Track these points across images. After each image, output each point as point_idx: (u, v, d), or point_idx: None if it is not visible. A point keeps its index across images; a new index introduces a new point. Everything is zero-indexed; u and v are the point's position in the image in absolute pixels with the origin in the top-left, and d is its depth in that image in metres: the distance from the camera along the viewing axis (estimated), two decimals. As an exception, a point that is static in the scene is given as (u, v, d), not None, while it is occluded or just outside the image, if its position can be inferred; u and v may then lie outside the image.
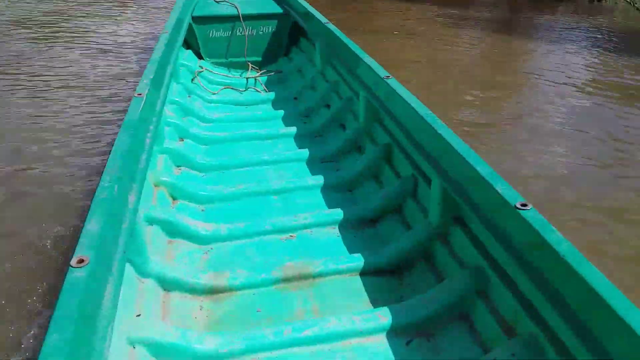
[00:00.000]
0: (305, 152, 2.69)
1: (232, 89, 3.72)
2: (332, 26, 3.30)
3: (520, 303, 1.43)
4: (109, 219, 1.28)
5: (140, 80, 2.20)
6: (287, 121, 3.18)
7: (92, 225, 1.22)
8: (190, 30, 3.93)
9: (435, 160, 1.81)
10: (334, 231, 2.08)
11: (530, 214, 1.33)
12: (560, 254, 1.19)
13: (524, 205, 1.36)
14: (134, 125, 1.78)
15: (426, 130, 1.88)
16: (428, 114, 1.92)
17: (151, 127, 2.01)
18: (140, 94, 2.02)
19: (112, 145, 1.64)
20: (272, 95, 3.59)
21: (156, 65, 2.40)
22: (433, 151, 1.84)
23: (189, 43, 4.03)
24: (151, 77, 2.23)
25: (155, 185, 2.14)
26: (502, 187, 1.44)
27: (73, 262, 1.09)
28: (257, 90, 3.71)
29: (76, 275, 1.06)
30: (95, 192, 1.35)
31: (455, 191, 1.66)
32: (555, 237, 1.24)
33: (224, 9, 4.20)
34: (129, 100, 2.06)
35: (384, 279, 1.81)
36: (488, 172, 1.52)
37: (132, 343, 1.35)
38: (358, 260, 1.83)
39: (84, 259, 1.10)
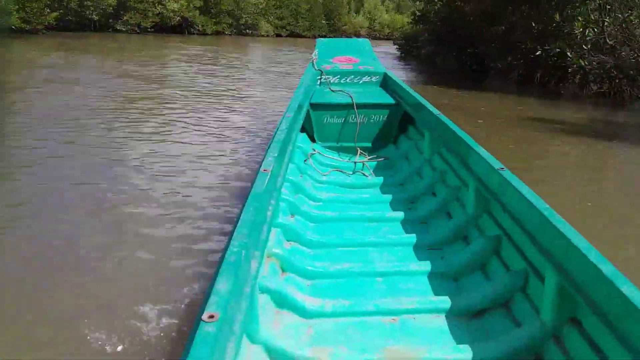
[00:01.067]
0: (410, 238, 2.71)
1: (340, 171, 3.89)
2: (443, 117, 3.40)
3: None
4: (236, 282, 1.39)
5: (265, 157, 2.40)
6: (392, 206, 3.25)
7: (222, 286, 1.32)
8: (306, 115, 4.23)
9: (550, 254, 1.76)
10: (438, 319, 2.05)
11: None
12: None
13: None
14: (259, 198, 1.94)
15: (541, 223, 1.85)
16: (544, 207, 1.90)
17: (272, 202, 2.16)
18: (265, 170, 2.20)
19: (239, 214, 1.79)
20: (378, 180, 3.71)
21: (279, 145, 2.61)
22: (548, 245, 1.79)
23: (304, 127, 4.32)
24: (275, 154, 2.43)
25: (268, 257, 2.26)
26: (628, 288, 1.38)
27: (204, 316, 1.19)
28: (364, 175, 3.85)
29: (207, 329, 1.16)
30: (224, 255, 1.48)
31: (573, 289, 1.60)
32: None
33: (340, 98, 4.49)
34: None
35: None
36: (611, 270, 1.46)
37: None
38: (464, 353, 1.78)
39: (214, 315, 1.20)
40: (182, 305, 2.66)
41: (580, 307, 1.68)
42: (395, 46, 25.47)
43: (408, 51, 23.26)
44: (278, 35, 42.32)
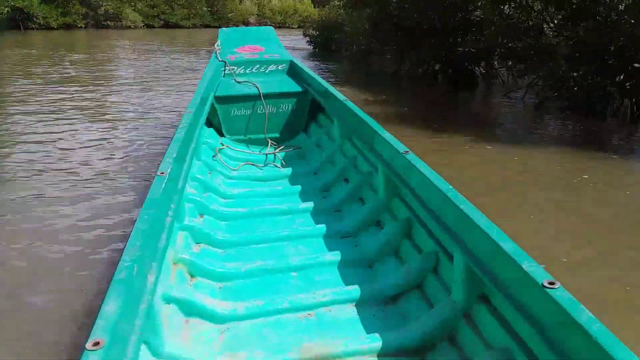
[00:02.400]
0: (324, 228, 2.68)
1: (252, 164, 3.79)
2: (350, 103, 3.39)
3: None
4: (127, 300, 1.27)
5: (163, 159, 2.25)
6: (306, 196, 3.20)
7: (110, 307, 1.20)
8: (212, 109, 4.07)
9: (457, 235, 1.78)
10: (354, 309, 2.03)
11: (559, 293, 1.28)
12: (592, 335, 1.13)
13: (552, 283, 1.31)
14: (156, 203, 1.81)
15: (447, 204, 1.87)
16: (449, 189, 1.92)
17: (172, 205, 2.03)
18: (162, 173, 2.06)
19: (133, 225, 1.66)
20: (291, 170, 3.65)
21: (179, 143, 2.47)
22: (455, 226, 1.81)
23: (211, 121, 4.16)
24: (174, 155, 2.29)
25: (174, 263, 2.13)
26: (529, 265, 1.40)
27: (88, 345, 1.07)
28: (276, 166, 3.77)
29: (91, 358, 1.04)
30: (114, 273, 1.35)
31: (479, 268, 1.62)
32: (586, 316, 1.19)
33: (246, 89, 4.36)
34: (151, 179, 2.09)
35: None
36: (513, 248, 1.48)
37: None
38: (379, 341, 1.77)
39: (100, 341, 1.08)
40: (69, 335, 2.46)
41: (487, 285, 1.70)
42: (306, 38, 19.52)
43: (324, 46, 18.20)
44: (149, 26, 33.72)
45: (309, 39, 19.25)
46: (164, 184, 1.98)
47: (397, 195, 2.59)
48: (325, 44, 18.22)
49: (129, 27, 32.29)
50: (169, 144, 2.53)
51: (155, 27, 33.63)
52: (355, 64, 14.61)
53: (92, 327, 1.14)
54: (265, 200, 3.17)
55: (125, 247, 1.49)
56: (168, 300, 1.85)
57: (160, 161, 2.26)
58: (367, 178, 3.02)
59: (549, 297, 1.29)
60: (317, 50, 18.52)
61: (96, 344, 1.08)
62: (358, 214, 2.76)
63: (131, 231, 1.59)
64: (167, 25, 34.48)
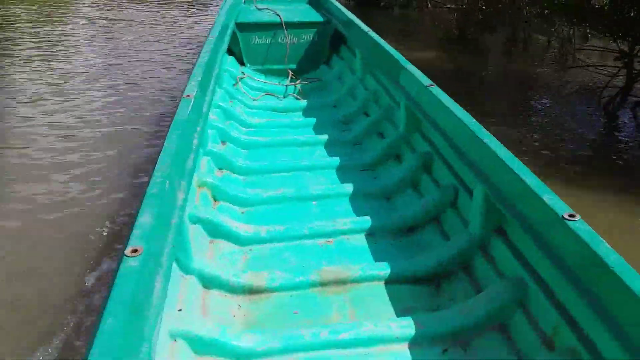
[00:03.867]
0: (343, 160, 2.71)
1: (272, 95, 3.78)
2: (374, 34, 3.32)
3: (562, 316, 1.41)
4: (160, 213, 1.32)
5: (188, 82, 2.26)
6: (326, 128, 3.21)
7: (145, 219, 1.26)
8: (233, 36, 4.01)
9: (478, 169, 1.80)
10: (372, 238, 2.09)
11: (578, 225, 1.31)
12: (609, 266, 1.17)
13: (572, 215, 1.34)
14: (183, 125, 1.83)
15: (470, 138, 1.88)
16: (472, 122, 1.92)
17: (198, 129, 2.06)
18: (188, 96, 2.08)
19: (163, 143, 1.70)
20: (311, 102, 3.64)
21: (203, 69, 2.47)
22: (477, 160, 1.83)
23: (232, 49, 4.11)
24: (199, 79, 2.29)
25: (199, 186, 2.19)
26: (549, 198, 1.43)
27: (127, 251, 1.13)
28: (296, 98, 3.76)
29: (130, 264, 1.10)
30: (147, 187, 1.40)
31: (499, 201, 1.65)
32: (604, 248, 1.22)
33: (267, 17, 4.28)
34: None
35: (422, 288, 1.81)
36: (534, 182, 1.51)
37: (174, 336, 1.39)
38: (395, 268, 1.83)
39: (138, 249, 1.14)
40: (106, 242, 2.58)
41: (505, 218, 1.74)
42: None
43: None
44: None
45: None
46: (190, 107, 2.00)
47: (418, 129, 2.59)
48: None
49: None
50: (192, 68, 2.53)
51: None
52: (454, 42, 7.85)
53: (129, 235, 1.20)
54: (285, 130, 3.19)
55: (155, 164, 1.54)
56: (194, 220, 1.91)
57: (185, 84, 2.28)
58: (388, 112, 3.01)
59: (567, 229, 1.32)
60: (352, 2, 10.58)
61: (134, 250, 1.14)
62: (378, 147, 2.77)
63: (161, 149, 1.63)
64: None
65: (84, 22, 7.98)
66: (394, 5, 10.57)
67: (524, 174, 1.56)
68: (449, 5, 8.99)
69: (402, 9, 10.62)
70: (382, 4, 9.99)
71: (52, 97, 4.65)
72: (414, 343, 1.54)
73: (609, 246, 1.23)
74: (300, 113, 3.52)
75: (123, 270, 1.09)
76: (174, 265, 1.59)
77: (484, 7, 7.52)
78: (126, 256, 1.13)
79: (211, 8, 9.51)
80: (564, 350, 1.36)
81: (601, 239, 1.26)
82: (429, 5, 9.47)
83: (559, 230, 1.36)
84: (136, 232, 1.21)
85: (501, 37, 7.64)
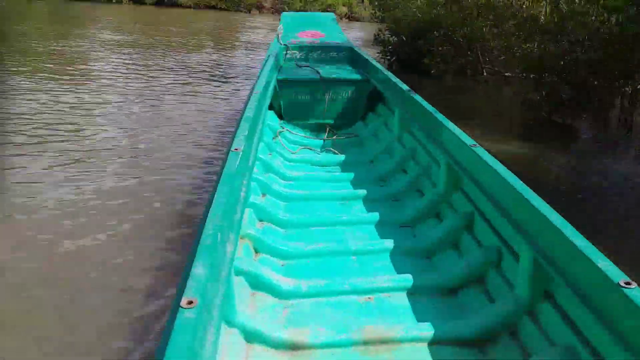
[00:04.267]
0: (381, 216, 2.71)
1: (310, 149, 3.85)
2: (413, 93, 3.38)
3: None
4: (213, 265, 1.34)
5: (236, 136, 2.33)
6: (363, 184, 3.23)
7: (199, 270, 1.28)
8: (274, 91, 4.15)
9: (525, 230, 1.78)
10: (412, 297, 2.05)
11: (635, 293, 1.28)
12: None
13: (628, 283, 1.31)
14: (232, 178, 1.88)
15: (515, 199, 1.87)
16: (517, 182, 1.91)
17: (244, 182, 2.11)
18: (237, 149, 2.14)
19: (211, 196, 1.74)
20: (348, 157, 3.69)
21: (248, 123, 2.55)
22: (523, 221, 1.81)
23: (272, 104, 4.24)
24: (245, 134, 2.36)
25: (241, 238, 2.22)
26: (603, 263, 1.40)
27: (183, 302, 1.14)
28: (334, 152, 3.82)
29: (186, 315, 1.11)
30: (199, 238, 1.43)
31: (548, 264, 1.62)
32: None
33: (307, 74, 4.42)
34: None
35: (466, 351, 1.76)
36: (586, 245, 1.48)
37: None
38: (438, 329, 1.79)
39: (193, 301, 1.16)
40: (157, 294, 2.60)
41: (553, 282, 1.70)
42: (359, 38, 13.25)
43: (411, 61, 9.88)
44: (137, 1, 25.32)
45: (382, 47, 11.02)
46: (238, 161, 2.05)
47: (459, 188, 2.58)
48: (413, 59, 9.60)
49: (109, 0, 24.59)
50: (237, 122, 2.61)
51: (145, 4, 25.12)
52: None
53: (182, 287, 1.22)
54: (323, 184, 3.22)
55: (206, 214, 1.57)
56: (237, 272, 1.93)
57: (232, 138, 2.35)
58: (427, 170, 3.02)
59: (623, 296, 1.28)
60: (395, 67, 10.42)
61: (190, 302, 1.15)
62: (416, 205, 2.77)
63: (210, 200, 1.67)
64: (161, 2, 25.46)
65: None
66: (444, 73, 8.93)
67: (574, 236, 1.54)
68: (507, 73, 7.95)
69: (456, 76, 9.10)
70: (433, 71, 8.56)
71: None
72: None
73: None
74: (338, 167, 3.57)
75: (180, 321, 1.10)
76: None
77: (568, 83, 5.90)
78: (182, 307, 1.14)
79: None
80: None
81: None
82: (484, 72, 8.71)
83: (613, 297, 1.33)
84: (191, 283, 1.22)
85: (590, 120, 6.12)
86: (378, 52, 10.87)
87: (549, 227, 1.64)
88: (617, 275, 1.35)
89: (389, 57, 10.91)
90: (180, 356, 1.02)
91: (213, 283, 1.33)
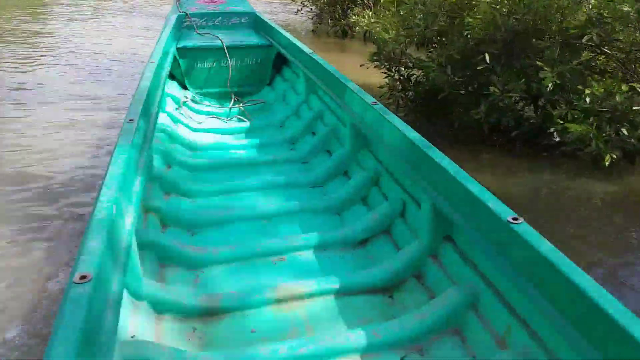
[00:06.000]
0: (292, 178, 2.72)
1: (216, 118, 3.76)
2: (316, 56, 3.38)
3: (513, 316, 1.46)
4: (109, 238, 1.28)
5: (130, 107, 2.22)
6: (273, 148, 3.22)
7: (92, 243, 1.22)
8: (175, 61, 3.98)
9: (424, 181, 1.86)
10: (325, 253, 2.10)
11: (523, 228, 1.37)
12: (555, 264, 1.23)
13: (516, 219, 1.40)
14: (127, 150, 1.79)
15: (414, 152, 1.94)
16: (416, 137, 1.98)
17: (143, 153, 2.02)
18: (131, 120, 2.04)
19: (106, 167, 1.65)
20: (256, 123, 3.64)
21: (145, 93, 2.43)
22: (422, 173, 1.89)
23: (174, 74, 4.07)
24: (141, 105, 2.25)
25: (146, 211, 2.14)
26: (493, 203, 1.49)
27: (75, 278, 1.09)
28: (241, 119, 3.75)
29: (79, 291, 1.06)
30: (93, 211, 1.36)
31: (446, 210, 1.71)
32: (548, 248, 1.28)
33: (208, 41, 4.27)
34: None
35: (376, 298, 1.83)
36: (478, 189, 1.57)
37: None
38: (350, 280, 1.85)
39: (87, 275, 1.10)
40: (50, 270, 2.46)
41: (453, 226, 1.80)
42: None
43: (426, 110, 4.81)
44: None
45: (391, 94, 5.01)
46: (133, 132, 1.96)
47: (365, 146, 2.64)
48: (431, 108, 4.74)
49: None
50: (134, 92, 2.48)
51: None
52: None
53: (76, 261, 1.16)
54: (232, 152, 3.17)
55: (100, 187, 1.49)
56: (143, 245, 1.86)
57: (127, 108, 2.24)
58: (334, 131, 3.05)
59: (513, 232, 1.38)
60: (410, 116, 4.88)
61: (83, 277, 1.10)
62: (325, 165, 2.80)
63: (105, 173, 1.59)
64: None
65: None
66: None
67: (468, 182, 1.62)
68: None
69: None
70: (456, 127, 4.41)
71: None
72: (372, 352, 1.55)
73: (552, 246, 1.30)
74: (246, 134, 3.51)
75: (72, 297, 1.04)
76: (125, 292, 1.54)
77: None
78: (74, 283, 1.08)
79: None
80: (518, 349, 1.42)
81: (545, 239, 1.32)
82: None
83: (504, 233, 1.42)
84: (84, 257, 1.16)
85: None
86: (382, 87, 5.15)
87: (446, 175, 1.72)
88: (506, 213, 1.44)
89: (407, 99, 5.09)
90: (75, 333, 0.98)
91: (110, 256, 1.28)
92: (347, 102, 2.71)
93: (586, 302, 1.14)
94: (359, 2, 9.29)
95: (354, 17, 7.20)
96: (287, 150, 3.20)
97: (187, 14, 4.73)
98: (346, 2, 9.68)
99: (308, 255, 2.07)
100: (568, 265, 1.23)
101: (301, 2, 10.39)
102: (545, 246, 1.30)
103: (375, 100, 2.43)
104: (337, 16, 9.72)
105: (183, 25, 4.63)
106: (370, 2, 8.79)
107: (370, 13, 6.54)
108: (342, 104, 2.77)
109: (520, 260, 1.37)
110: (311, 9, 10.42)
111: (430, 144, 1.93)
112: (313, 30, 10.09)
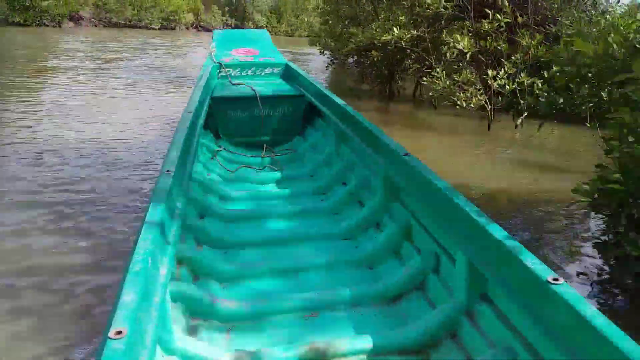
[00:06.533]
0: (323, 229, 2.71)
1: (248, 167, 3.81)
2: (348, 107, 3.43)
3: None
4: (144, 292, 1.29)
5: (166, 157, 2.27)
6: (303, 199, 3.23)
7: (128, 297, 1.22)
8: (209, 111, 4.09)
9: (458, 235, 1.83)
10: (357, 310, 2.05)
11: (563, 289, 1.32)
12: (597, 328, 1.18)
13: (556, 279, 1.36)
14: (163, 200, 1.82)
15: (448, 205, 1.91)
16: (449, 189, 1.96)
17: (178, 204, 2.05)
18: (168, 171, 2.08)
19: (143, 219, 1.67)
20: (287, 173, 3.68)
21: (181, 144, 2.49)
22: (456, 227, 1.86)
23: (207, 123, 4.18)
24: (177, 154, 2.31)
25: (179, 262, 2.15)
26: (532, 262, 1.45)
27: (111, 333, 1.09)
28: (273, 169, 3.80)
29: (115, 346, 1.06)
30: (129, 262, 1.37)
31: (482, 267, 1.66)
32: (591, 311, 1.23)
33: (242, 91, 4.39)
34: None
35: (411, 359, 1.77)
36: (515, 246, 1.53)
37: None
38: (382, 340, 1.80)
39: (122, 330, 1.10)
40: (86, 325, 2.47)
41: (489, 284, 1.75)
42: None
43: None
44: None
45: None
46: (170, 182, 1.99)
47: (397, 197, 2.63)
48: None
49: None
50: (170, 143, 2.54)
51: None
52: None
53: (111, 316, 1.16)
54: (263, 202, 3.19)
55: (136, 240, 1.51)
56: (175, 297, 1.86)
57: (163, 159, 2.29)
58: (365, 181, 3.05)
59: (553, 293, 1.33)
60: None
61: (119, 332, 1.10)
62: (357, 216, 2.79)
63: (141, 225, 1.61)
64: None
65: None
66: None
67: (504, 238, 1.59)
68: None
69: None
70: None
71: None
72: None
73: (594, 309, 1.24)
74: (277, 184, 3.55)
75: (107, 353, 1.04)
76: (157, 345, 1.53)
77: None
78: (110, 338, 1.08)
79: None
80: None
81: (586, 302, 1.27)
82: None
83: (543, 294, 1.37)
84: (120, 312, 1.17)
85: None
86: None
87: (480, 230, 1.68)
88: (545, 272, 1.40)
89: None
90: None
91: (145, 310, 1.28)
92: (379, 152, 2.72)
93: None
94: (412, 60, 8.29)
95: (424, 78, 7.00)
96: (318, 200, 3.21)
97: (221, 65, 4.89)
98: (397, 59, 8.42)
99: (340, 311, 2.03)
100: (613, 330, 1.17)
101: (331, 59, 9.66)
102: (587, 309, 1.25)
103: (407, 152, 2.43)
104: (384, 75, 8.70)
105: (218, 75, 4.78)
106: (432, 59, 7.60)
107: (442, 72, 6.56)
108: (373, 154, 2.78)
109: (561, 323, 1.32)
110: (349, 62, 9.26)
111: (463, 196, 1.91)
112: (350, 89, 8.95)
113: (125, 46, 15.38)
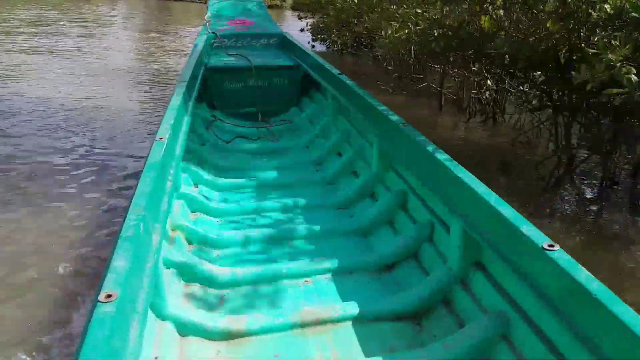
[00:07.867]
0: (318, 200, 2.70)
1: (243, 137, 3.78)
2: (344, 77, 3.38)
3: (546, 347, 1.40)
4: (135, 257, 1.28)
5: (160, 126, 2.24)
6: (299, 169, 3.21)
7: (119, 262, 1.21)
8: (204, 81, 4.04)
9: (454, 204, 1.82)
10: (351, 277, 2.06)
11: (558, 255, 1.32)
12: (591, 293, 1.18)
13: (551, 245, 1.35)
14: (156, 168, 1.80)
15: (444, 174, 1.90)
16: (446, 158, 1.95)
17: (171, 172, 2.03)
18: (161, 139, 2.06)
19: (135, 186, 1.66)
20: (283, 144, 3.66)
21: (174, 113, 2.46)
22: (452, 195, 1.85)
23: (203, 94, 4.13)
24: (171, 123, 2.28)
25: (172, 230, 2.14)
26: (527, 228, 1.44)
27: (101, 296, 1.08)
28: (268, 139, 3.77)
29: (104, 310, 1.05)
30: (120, 229, 1.36)
31: (476, 235, 1.66)
32: (585, 276, 1.23)
33: (237, 62, 4.33)
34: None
35: (403, 325, 1.78)
36: (511, 213, 1.52)
37: None
38: (376, 306, 1.81)
39: (112, 294, 1.10)
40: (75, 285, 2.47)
41: (483, 251, 1.75)
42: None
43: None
44: None
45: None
46: (163, 150, 1.97)
47: (391, 168, 2.61)
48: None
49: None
50: (164, 112, 2.51)
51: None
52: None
53: (102, 280, 1.15)
54: (258, 173, 3.17)
55: (129, 206, 1.50)
56: (168, 264, 1.86)
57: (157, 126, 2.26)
58: (361, 152, 3.04)
59: (548, 259, 1.32)
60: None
61: (108, 296, 1.09)
62: (352, 187, 2.78)
63: (134, 191, 1.60)
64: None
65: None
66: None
67: (501, 206, 1.58)
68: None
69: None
70: None
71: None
72: None
73: (589, 274, 1.24)
74: (273, 155, 3.52)
75: (97, 316, 1.04)
76: (149, 311, 1.53)
77: None
78: (100, 302, 1.08)
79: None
80: None
81: (581, 267, 1.27)
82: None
83: (538, 260, 1.37)
84: (110, 276, 1.16)
85: None
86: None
87: (476, 198, 1.67)
88: (540, 238, 1.39)
89: None
90: (99, 352, 0.97)
91: (136, 275, 1.27)
92: (375, 123, 2.69)
93: (626, 335, 1.08)
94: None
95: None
96: (313, 171, 3.19)
97: (216, 35, 4.81)
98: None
99: (334, 278, 2.04)
100: (607, 295, 1.17)
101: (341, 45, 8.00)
102: (582, 274, 1.25)
103: (404, 121, 2.41)
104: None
105: (213, 45, 4.71)
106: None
107: None
108: (370, 125, 2.76)
109: (555, 288, 1.32)
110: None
111: (459, 164, 1.90)
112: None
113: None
